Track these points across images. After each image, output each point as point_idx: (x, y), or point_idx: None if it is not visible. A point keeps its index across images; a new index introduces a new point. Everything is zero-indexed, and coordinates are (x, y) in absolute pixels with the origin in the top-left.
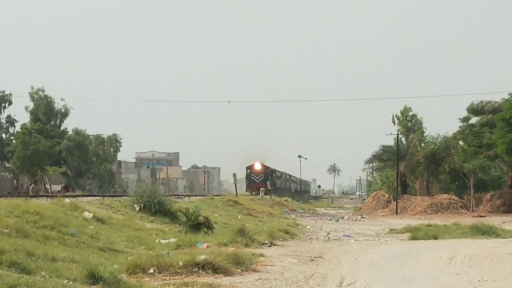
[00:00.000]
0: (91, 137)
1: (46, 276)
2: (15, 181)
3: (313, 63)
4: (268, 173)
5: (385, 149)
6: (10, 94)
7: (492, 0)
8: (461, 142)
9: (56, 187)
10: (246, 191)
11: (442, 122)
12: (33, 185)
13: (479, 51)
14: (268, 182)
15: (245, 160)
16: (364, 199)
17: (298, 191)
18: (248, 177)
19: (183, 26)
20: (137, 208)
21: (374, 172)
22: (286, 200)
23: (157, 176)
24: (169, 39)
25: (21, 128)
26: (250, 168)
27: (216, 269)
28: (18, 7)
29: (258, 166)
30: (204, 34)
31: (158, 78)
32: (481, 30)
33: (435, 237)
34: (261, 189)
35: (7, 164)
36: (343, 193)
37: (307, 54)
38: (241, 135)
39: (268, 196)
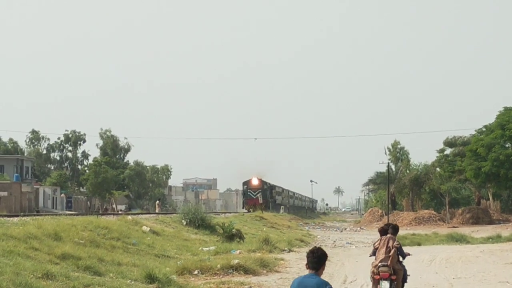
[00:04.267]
0: (148, 167)
1: (113, 277)
2: (88, 202)
3: (326, 103)
4: (266, 188)
5: (378, 174)
6: (84, 134)
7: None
8: (438, 169)
9: (121, 207)
10: (243, 207)
11: (423, 153)
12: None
13: (453, 96)
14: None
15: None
16: (362, 214)
17: (310, 208)
18: (245, 193)
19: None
20: (184, 223)
21: (370, 193)
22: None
23: (200, 198)
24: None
25: (93, 161)
26: (247, 183)
27: (246, 271)
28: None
29: (255, 181)
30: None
31: (203, 120)
32: (453, 77)
33: (419, 244)
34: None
35: (82, 189)
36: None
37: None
38: (265, 164)
39: (286, 213)
